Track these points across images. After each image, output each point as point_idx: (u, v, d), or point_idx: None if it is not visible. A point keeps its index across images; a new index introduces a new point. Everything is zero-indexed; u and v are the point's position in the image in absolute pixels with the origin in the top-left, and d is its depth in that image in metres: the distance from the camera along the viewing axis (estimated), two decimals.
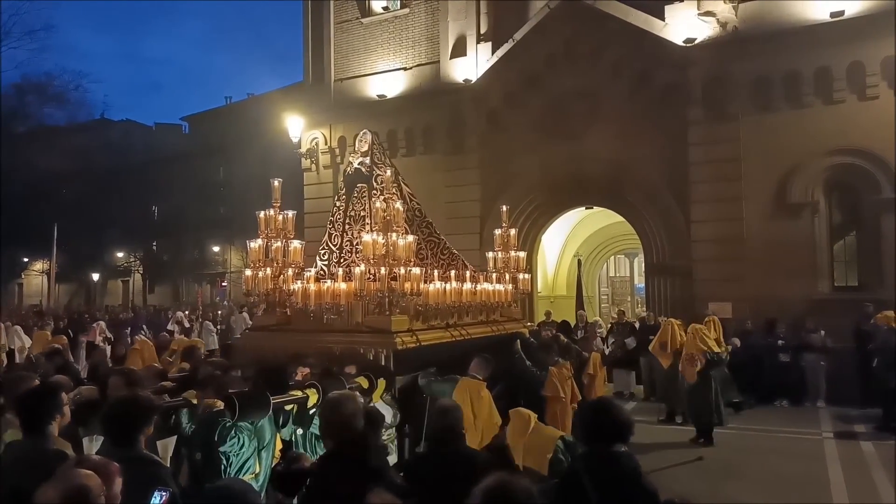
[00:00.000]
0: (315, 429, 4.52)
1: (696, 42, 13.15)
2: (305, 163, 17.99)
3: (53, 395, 3.44)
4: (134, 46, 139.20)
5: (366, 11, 17.48)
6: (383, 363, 6.05)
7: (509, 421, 5.10)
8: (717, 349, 9.22)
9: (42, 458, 3.01)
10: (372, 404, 5.25)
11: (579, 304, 16.22)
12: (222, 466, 4.00)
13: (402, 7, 17.00)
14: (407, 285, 6.38)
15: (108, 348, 12.15)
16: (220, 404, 4.62)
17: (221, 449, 4.07)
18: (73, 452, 3.36)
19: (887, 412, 9.75)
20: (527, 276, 9.12)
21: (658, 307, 13.53)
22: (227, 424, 4.36)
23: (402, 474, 3.61)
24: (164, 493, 2.58)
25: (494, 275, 8.49)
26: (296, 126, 17.48)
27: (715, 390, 9.18)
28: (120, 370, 5.59)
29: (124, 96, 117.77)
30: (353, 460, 3.08)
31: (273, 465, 4.17)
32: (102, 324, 15.09)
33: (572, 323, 13.11)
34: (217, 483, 2.45)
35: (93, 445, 3.84)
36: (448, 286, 7.18)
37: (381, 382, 5.31)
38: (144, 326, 17.60)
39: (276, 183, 7.21)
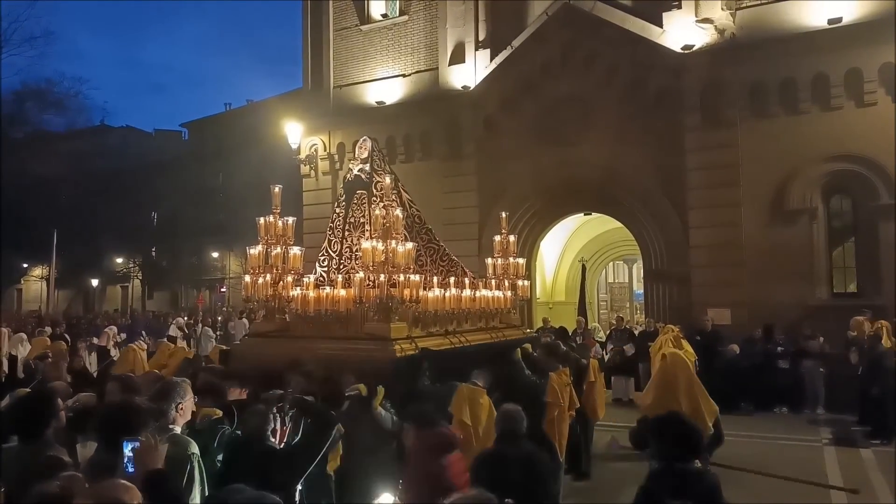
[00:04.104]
0: None
1: (694, 48, 13.20)
2: (304, 169, 18.01)
3: (50, 400, 3.43)
4: (134, 51, 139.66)
5: (365, 18, 17.54)
6: (382, 370, 6.02)
7: None
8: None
9: (38, 463, 3.00)
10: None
11: (581, 309, 16.05)
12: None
13: (400, 14, 17.05)
14: (406, 292, 6.36)
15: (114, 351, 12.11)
16: (219, 413, 4.61)
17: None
18: (69, 458, 3.36)
19: (867, 418, 9.71)
20: (526, 282, 9.11)
21: (657, 313, 13.53)
22: (226, 433, 4.35)
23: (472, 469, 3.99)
24: (134, 444, 2.58)
25: (493, 281, 8.47)
26: (295, 132, 17.51)
27: None
28: (117, 376, 5.58)
29: (124, 101, 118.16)
30: None
31: None
32: (114, 328, 15.03)
33: (570, 329, 13.06)
34: (240, 496, 2.43)
35: (86, 451, 3.83)
36: (447, 293, 7.16)
37: (381, 390, 5.30)
38: (144, 332, 17.55)
39: (276, 189, 7.20)
